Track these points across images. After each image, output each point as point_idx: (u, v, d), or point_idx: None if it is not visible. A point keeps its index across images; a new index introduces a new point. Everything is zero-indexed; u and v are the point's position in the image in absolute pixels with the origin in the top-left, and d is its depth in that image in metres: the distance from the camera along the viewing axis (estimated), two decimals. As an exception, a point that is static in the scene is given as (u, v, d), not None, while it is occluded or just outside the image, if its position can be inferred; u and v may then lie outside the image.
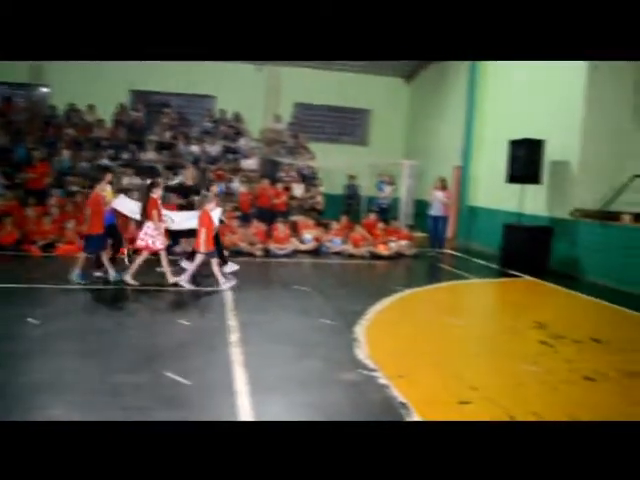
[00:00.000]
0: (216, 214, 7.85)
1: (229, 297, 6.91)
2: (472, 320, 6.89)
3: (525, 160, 10.22)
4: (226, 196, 11.94)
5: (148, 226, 7.32)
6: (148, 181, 8.04)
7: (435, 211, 11.99)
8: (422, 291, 8.05)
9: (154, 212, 7.31)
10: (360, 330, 5.74)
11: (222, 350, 4.92)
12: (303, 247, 10.93)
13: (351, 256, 10.81)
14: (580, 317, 7.15)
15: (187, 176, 11.47)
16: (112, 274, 7.45)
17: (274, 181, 12.94)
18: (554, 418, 3.88)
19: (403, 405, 3.91)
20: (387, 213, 13.43)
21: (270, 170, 14.22)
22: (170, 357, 4.71)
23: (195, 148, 14.59)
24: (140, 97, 16.79)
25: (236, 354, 4.83)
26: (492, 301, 8.51)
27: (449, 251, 12.34)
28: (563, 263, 10.16)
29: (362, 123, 19.04)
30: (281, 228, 10.90)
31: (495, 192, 12.30)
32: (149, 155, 14.08)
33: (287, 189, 13.34)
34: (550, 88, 10.69)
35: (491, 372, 4.85)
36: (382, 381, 4.35)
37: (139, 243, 7.40)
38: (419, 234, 13.45)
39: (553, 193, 10.75)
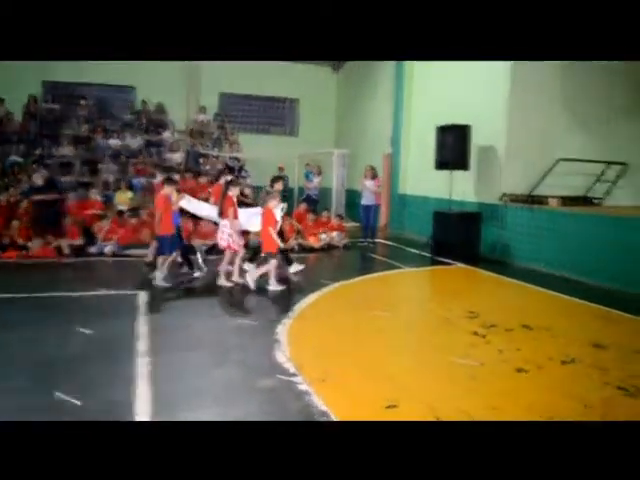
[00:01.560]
0: (279, 212, 7.42)
1: (142, 299, 6.36)
2: (403, 313, 6.62)
3: (453, 146, 10.09)
4: (147, 192, 11.27)
5: (225, 224, 7.34)
6: (226, 179, 8.13)
7: (366, 200, 11.72)
8: (352, 284, 7.74)
9: (230, 210, 7.29)
10: (282, 330, 5.34)
11: (127, 362, 4.40)
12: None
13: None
14: (511, 304, 7.02)
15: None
16: (160, 276, 7.17)
17: (199, 174, 12.33)
18: (482, 414, 3.61)
19: (323, 414, 3.55)
20: (317, 204, 13.08)
21: (195, 163, 13.61)
22: (63, 374, 4.15)
23: (114, 142, 13.77)
24: (53, 88, 15.72)
25: (143, 365, 4.33)
26: (424, 291, 8.29)
27: (381, 240, 12.11)
28: (493, 248, 10.12)
29: (291, 113, 18.64)
30: (206, 223, 10.35)
31: (425, 179, 12.19)
32: (64, 150, 13.16)
33: (212, 182, 12.79)
34: (476, 74, 10.59)
35: (420, 368, 4.55)
36: (302, 387, 3.97)
37: (220, 243, 7.44)
38: (351, 224, 13.20)
39: (482, 179, 10.70)
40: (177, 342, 4.97)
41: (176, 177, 8.05)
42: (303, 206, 11.95)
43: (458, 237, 9.78)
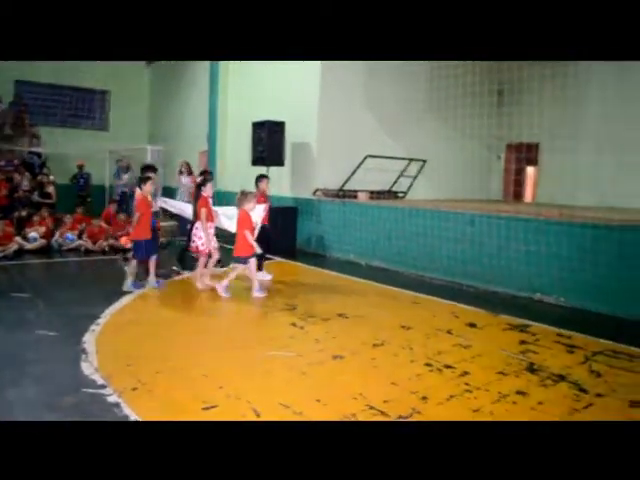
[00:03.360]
0: (256, 214, 7.02)
1: None
2: (222, 311, 6.49)
3: (268, 142, 10.19)
4: None
5: (197, 227, 7.00)
6: (199, 178, 7.63)
7: (182, 198, 11.35)
8: (168, 283, 7.42)
9: (202, 211, 6.91)
10: (90, 338, 4.90)
11: None
12: (29, 246, 9.39)
13: (89, 252, 9.62)
14: (328, 294, 7.25)
15: None
16: (128, 283, 6.82)
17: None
18: (304, 406, 3.65)
19: (135, 425, 3.29)
20: (127, 202, 12.33)
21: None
22: None
23: None
24: None
25: None
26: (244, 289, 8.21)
27: (201, 239, 11.80)
28: (309, 242, 10.44)
29: (101, 106, 17.40)
30: (0, 226, 9.22)
31: (243, 175, 12.12)
32: None
33: (9, 180, 11.46)
34: (290, 72, 10.80)
35: (238, 365, 4.47)
36: (112, 399, 3.65)
37: (191, 245, 7.12)
38: (169, 222, 12.69)
39: (297, 174, 10.97)
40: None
41: (151, 174, 7.20)
42: (114, 206, 11.24)
43: (276, 232, 9.90)
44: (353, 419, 3.49)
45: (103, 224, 10.30)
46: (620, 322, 6.13)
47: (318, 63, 10.19)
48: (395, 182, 11.15)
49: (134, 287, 6.81)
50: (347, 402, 3.76)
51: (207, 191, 7.13)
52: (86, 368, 4.19)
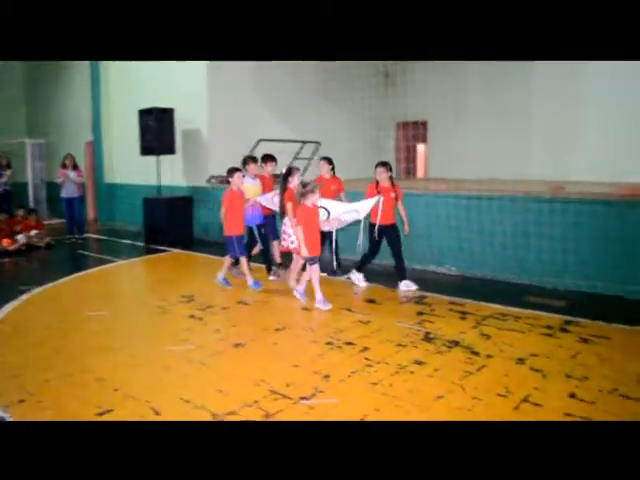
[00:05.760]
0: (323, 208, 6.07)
1: None
2: (118, 309, 6.16)
3: (157, 130, 9.82)
4: None
5: (285, 223, 6.20)
6: (284, 169, 6.52)
7: (67, 192, 10.72)
8: (59, 286, 6.96)
9: (289, 205, 6.13)
10: (-33, 352, 4.51)
11: None
12: None
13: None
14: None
15: None
16: (250, 282, 6.48)
17: None
18: (205, 398, 3.56)
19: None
20: (8, 201, 11.44)
21: None
22: None
23: None
24: None
25: None
26: (138, 283, 7.84)
27: (91, 235, 11.24)
28: (206, 231, 10.23)
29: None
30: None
31: (132, 166, 11.65)
32: None
33: None
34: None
35: (135, 364, 4.29)
36: (-7, 414, 3.38)
37: (282, 244, 6.31)
38: (55, 220, 11.98)
39: (189, 162, 10.68)
40: None
41: (296, 167, 6.62)
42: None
43: (171, 223, 9.64)
44: (255, 406, 3.45)
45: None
46: (504, 286, 6.53)
47: (204, 47, 9.90)
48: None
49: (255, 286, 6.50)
50: (249, 389, 3.73)
51: (294, 182, 6.27)
52: (-38, 384, 3.85)
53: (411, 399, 3.56)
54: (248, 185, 6.89)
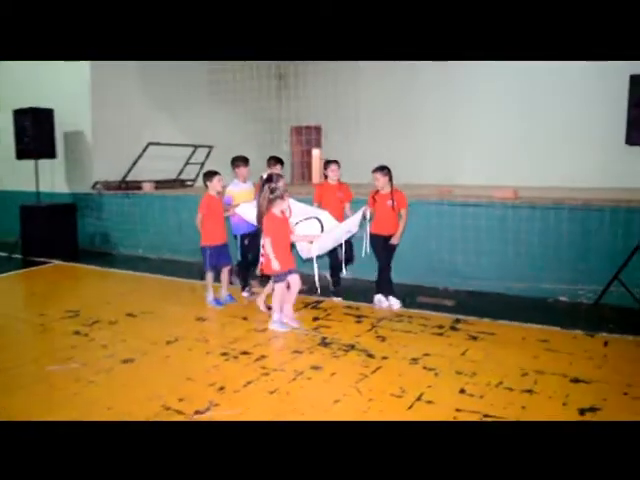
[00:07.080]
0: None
1: None
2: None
3: (34, 132, 9.12)
4: None
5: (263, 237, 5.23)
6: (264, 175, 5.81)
7: None
8: None
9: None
10: None
11: None
12: None
13: None
14: (115, 295, 6.71)
15: None
16: (223, 294, 6.02)
17: None
18: (94, 416, 3.31)
19: None
20: None
21: None
22: None
23: None
24: None
25: None
26: (14, 299, 7.10)
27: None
28: (93, 240, 9.68)
29: None
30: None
31: (6, 171, 10.76)
32: None
33: None
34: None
35: (10, 389, 3.91)
36: None
37: (261, 261, 5.29)
38: None
39: (72, 167, 10.03)
40: None
41: (274, 175, 5.44)
42: None
43: (51, 232, 8.99)
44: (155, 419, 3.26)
45: None
46: (397, 288, 6.70)
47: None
48: (182, 170, 10.82)
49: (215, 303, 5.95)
50: (141, 405, 3.53)
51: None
52: None
53: (309, 404, 3.53)
54: (237, 190, 6.26)
